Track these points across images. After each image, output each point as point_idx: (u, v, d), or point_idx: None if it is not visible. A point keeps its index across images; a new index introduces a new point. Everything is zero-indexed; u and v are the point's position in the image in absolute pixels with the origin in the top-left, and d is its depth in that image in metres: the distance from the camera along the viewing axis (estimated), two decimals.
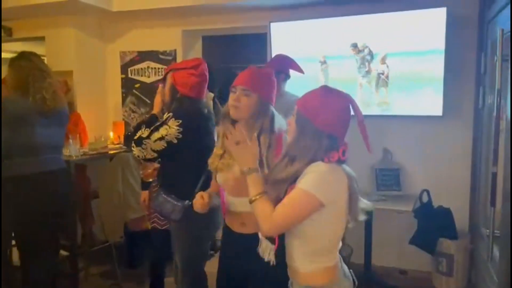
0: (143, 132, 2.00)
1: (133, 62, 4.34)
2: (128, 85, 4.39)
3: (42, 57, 5.55)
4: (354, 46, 3.44)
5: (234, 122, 1.67)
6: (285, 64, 2.85)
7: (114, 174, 3.18)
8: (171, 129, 1.97)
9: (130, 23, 4.23)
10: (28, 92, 2.38)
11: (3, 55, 5.49)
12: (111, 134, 4.01)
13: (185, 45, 4.20)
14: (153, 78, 4.28)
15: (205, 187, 2.06)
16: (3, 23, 4.22)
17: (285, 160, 1.40)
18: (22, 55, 2.49)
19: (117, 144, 3.95)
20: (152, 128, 1.99)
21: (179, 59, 4.15)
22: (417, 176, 3.45)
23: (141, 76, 4.33)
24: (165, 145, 1.98)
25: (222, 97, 3.94)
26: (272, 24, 3.70)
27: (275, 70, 2.79)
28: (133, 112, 4.41)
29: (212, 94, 4.15)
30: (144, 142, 1.98)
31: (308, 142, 1.33)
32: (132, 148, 2.03)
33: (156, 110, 2.13)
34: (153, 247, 2.69)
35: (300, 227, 1.34)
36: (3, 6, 3.78)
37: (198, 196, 1.72)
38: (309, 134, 1.33)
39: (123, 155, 3.30)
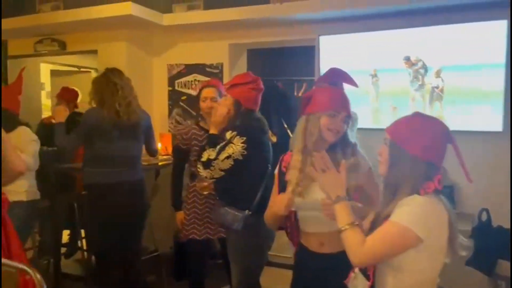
0: (210, 154, 2.04)
1: (180, 74, 4.41)
2: (174, 97, 4.46)
3: (91, 69, 5.77)
4: (407, 59, 3.37)
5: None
6: (339, 78, 2.81)
7: (165, 184, 3.21)
8: (236, 147, 2.02)
9: (178, 37, 4.31)
10: (103, 105, 2.53)
11: (58, 67, 5.73)
12: (159, 145, 4.07)
13: (231, 58, 4.24)
14: None
15: (264, 197, 2.13)
16: (57, 36, 4.39)
17: (387, 193, 1.35)
18: (103, 72, 2.68)
19: (165, 155, 4.01)
20: (218, 148, 2.04)
21: (225, 72, 4.20)
22: (473, 194, 3.31)
23: (188, 88, 4.39)
24: (232, 163, 2.04)
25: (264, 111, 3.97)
26: (321, 37, 3.69)
27: (330, 83, 2.78)
28: (179, 123, 4.47)
29: None
30: (213, 164, 2.03)
31: (405, 172, 1.29)
32: (198, 169, 2.06)
33: (216, 130, 2.15)
34: (196, 259, 2.69)
35: (396, 262, 1.28)
36: (58, 20, 3.95)
37: (281, 197, 1.69)
38: (405, 163, 1.29)
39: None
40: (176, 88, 4.44)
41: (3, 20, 4.24)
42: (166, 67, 4.44)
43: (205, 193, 2.44)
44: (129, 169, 2.62)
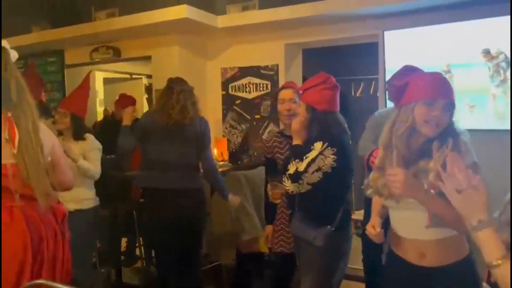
0: (299, 166, 1.87)
1: (234, 78, 4.29)
2: (228, 101, 4.35)
3: (142, 76, 5.78)
4: (486, 52, 3.05)
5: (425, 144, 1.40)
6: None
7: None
8: (327, 159, 1.86)
9: (232, 39, 4.19)
10: (158, 108, 2.55)
11: (113, 75, 5.81)
12: (215, 150, 3.97)
13: (287, 59, 4.07)
14: (254, 94, 4.20)
15: (346, 210, 2.03)
16: (112, 44, 4.40)
17: None
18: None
19: (221, 161, 3.90)
20: (308, 160, 1.87)
21: (281, 73, 4.04)
22: None
23: (242, 92, 4.27)
24: (321, 176, 1.87)
25: None
26: (385, 33, 3.44)
27: (404, 82, 2.53)
28: (233, 128, 4.35)
29: None
30: (302, 177, 1.87)
31: None
32: (284, 183, 1.91)
33: (300, 140, 1.98)
34: (278, 272, 2.53)
35: None
36: (113, 27, 3.94)
37: (369, 227, 1.52)
38: None
39: (233, 175, 3.21)
40: (230, 92, 4.33)
41: (60, 30, 4.31)
42: (219, 70, 4.35)
43: (277, 201, 2.27)
44: (179, 175, 2.53)
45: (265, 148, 2.49)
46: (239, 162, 3.86)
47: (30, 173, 1.69)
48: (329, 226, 1.91)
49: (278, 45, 4.01)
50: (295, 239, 2.17)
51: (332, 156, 1.86)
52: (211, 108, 4.42)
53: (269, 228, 2.45)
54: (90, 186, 2.82)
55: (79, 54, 4.68)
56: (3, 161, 1.67)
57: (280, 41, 4.00)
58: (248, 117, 4.25)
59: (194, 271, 2.67)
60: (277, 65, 4.05)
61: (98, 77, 5.82)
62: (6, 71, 1.69)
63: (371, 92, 4.73)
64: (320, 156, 1.86)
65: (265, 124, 4.16)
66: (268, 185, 2.23)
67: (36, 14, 4.48)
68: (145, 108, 5.93)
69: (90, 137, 2.81)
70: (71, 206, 2.59)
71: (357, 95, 4.78)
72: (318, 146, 1.88)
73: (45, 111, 3.02)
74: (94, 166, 2.71)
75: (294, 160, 1.89)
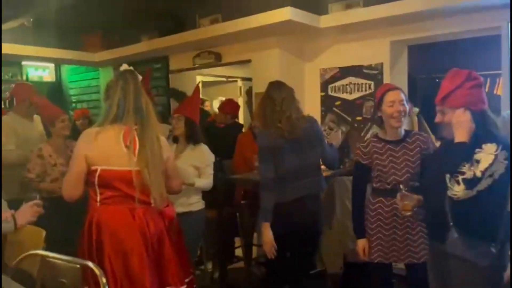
0: (475, 170, 1.70)
1: (333, 79, 4.18)
2: (327, 102, 4.25)
3: (237, 78, 5.88)
4: None
5: None
6: None
7: (331, 199, 3.00)
8: (500, 164, 1.69)
9: (332, 39, 4.08)
10: (266, 125, 2.46)
11: (213, 79, 6.02)
12: None
13: (392, 57, 3.85)
14: (355, 95, 4.05)
15: (508, 224, 1.77)
16: (214, 49, 4.54)
17: None
18: (266, 88, 2.59)
19: (322, 164, 3.80)
20: (487, 165, 1.70)
21: (385, 72, 3.83)
22: None
23: (342, 93, 4.14)
24: (490, 183, 1.69)
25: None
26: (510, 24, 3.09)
27: None
28: (332, 130, 4.23)
29: (416, 109, 3.69)
30: (477, 185, 1.71)
31: None
32: (452, 187, 1.73)
33: (467, 138, 1.78)
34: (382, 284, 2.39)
35: None
36: (216, 33, 4.04)
37: None
38: None
39: (338, 180, 3.11)
40: (330, 93, 4.22)
41: (165, 38, 4.55)
42: (318, 71, 4.26)
43: (408, 214, 2.09)
44: (309, 181, 2.49)
45: (361, 153, 2.33)
46: (341, 166, 3.73)
47: (152, 178, 1.90)
48: (493, 244, 1.72)
49: (382, 43, 3.81)
50: (443, 255, 1.91)
51: (505, 162, 1.68)
52: (309, 109, 4.30)
53: (363, 241, 2.31)
54: (197, 191, 2.91)
55: (183, 59, 4.90)
56: (127, 168, 1.88)
57: (385, 39, 3.79)
58: (349, 118, 4.11)
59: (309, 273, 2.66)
60: (382, 64, 3.85)
61: (198, 81, 6.06)
62: (140, 91, 1.92)
63: (486, 89, 4.30)
64: (496, 160, 1.69)
65: (368, 126, 3.99)
66: (398, 196, 2.05)
67: (145, 24, 4.78)
68: (244, 110, 6.05)
69: (207, 149, 2.85)
70: (180, 209, 2.71)
71: None
72: (491, 148, 1.70)
73: None
74: (208, 181, 2.81)
75: (467, 163, 1.72)
